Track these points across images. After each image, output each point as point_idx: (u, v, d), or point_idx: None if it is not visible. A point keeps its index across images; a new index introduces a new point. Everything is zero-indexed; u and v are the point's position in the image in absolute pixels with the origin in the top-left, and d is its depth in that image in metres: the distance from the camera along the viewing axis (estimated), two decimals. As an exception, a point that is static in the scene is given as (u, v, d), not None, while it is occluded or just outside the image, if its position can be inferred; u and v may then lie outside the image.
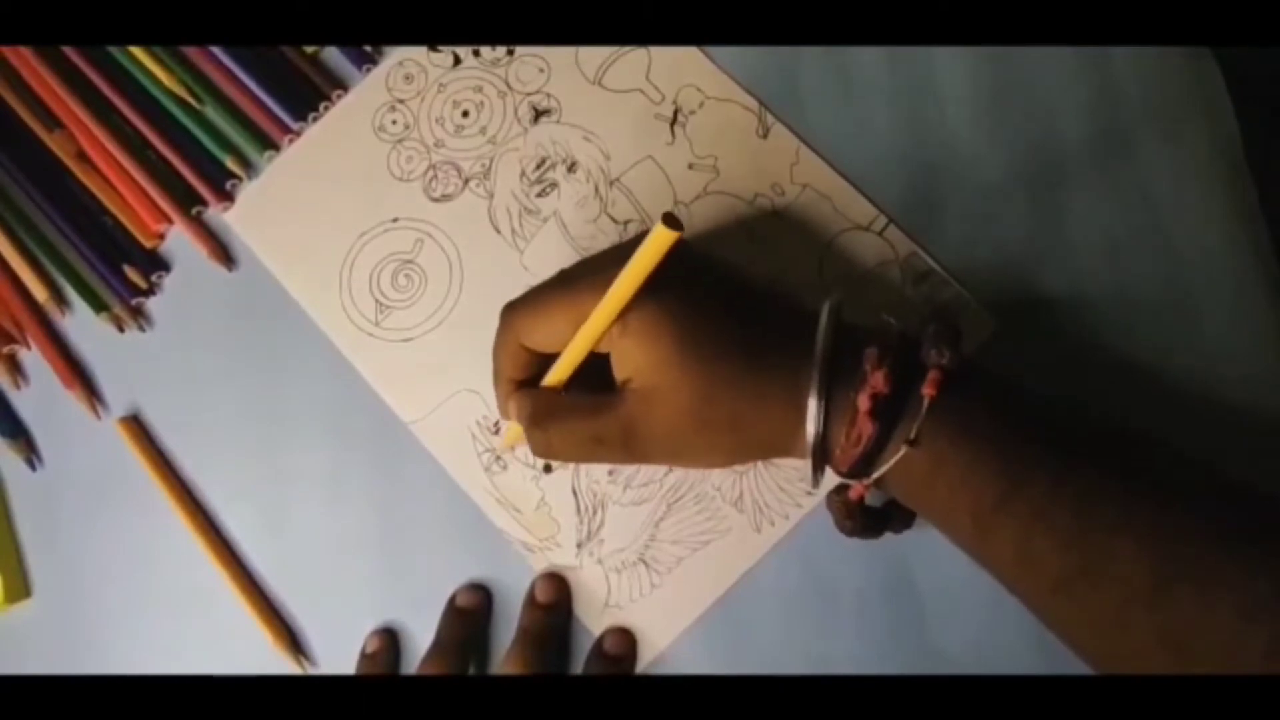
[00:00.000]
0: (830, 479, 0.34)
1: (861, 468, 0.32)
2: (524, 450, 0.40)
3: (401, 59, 0.44)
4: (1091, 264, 0.39)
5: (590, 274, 0.33)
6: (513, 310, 0.35)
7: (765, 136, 0.42)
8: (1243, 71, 0.42)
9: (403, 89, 0.44)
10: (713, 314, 0.33)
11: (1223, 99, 0.40)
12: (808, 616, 0.38)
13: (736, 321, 0.33)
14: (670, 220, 0.29)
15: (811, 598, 0.39)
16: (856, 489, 0.33)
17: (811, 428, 0.32)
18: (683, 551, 0.39)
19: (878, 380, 0.31)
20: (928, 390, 0.31)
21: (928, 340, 0.32)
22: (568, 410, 0.35)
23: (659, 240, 0.30)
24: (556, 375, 0.35)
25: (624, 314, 0.32)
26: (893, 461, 0.31)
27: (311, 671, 0.41)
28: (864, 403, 0.31)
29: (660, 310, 0.32)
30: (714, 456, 0.36)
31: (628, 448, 0.34)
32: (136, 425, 0.43)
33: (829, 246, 0.41)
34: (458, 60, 0.44)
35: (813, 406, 0.32)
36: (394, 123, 0.44)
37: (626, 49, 0.43)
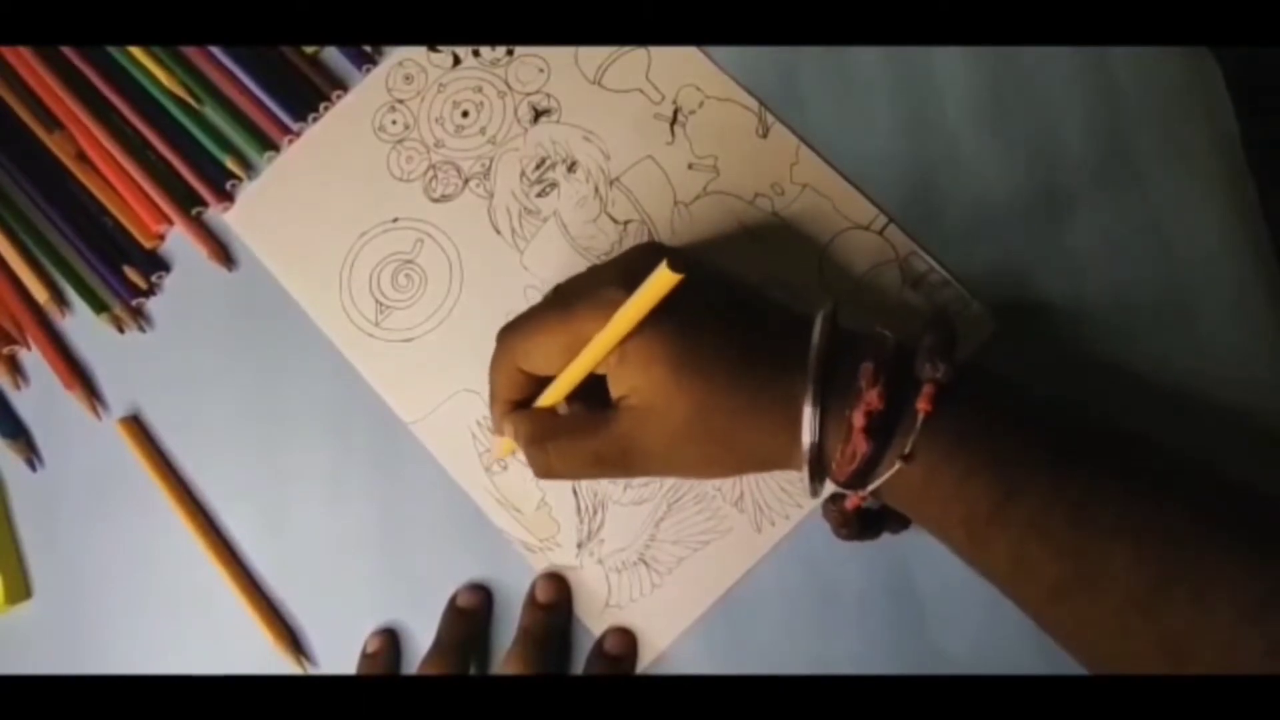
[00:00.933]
0: (829, 486, 0.34)
1: (857, 481, 0.32)
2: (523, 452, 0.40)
3: (401, 59, 0.44)
4: (1091, 264, 0.39)
5: (586, 296, 0.33)
6: (509, 333, 0.35)
7: (765, 136, 0.42)
8: (1243, 71, 0.42)
9: (402, 89, 0.44)
10: (708, 329, 0.33)
11: (1223, 99, 0.40)
12: (808, 616, 0.38)
13: (731, 332, 0.33)
14: (673, 263, 0.29)
15: (812, 598, 0.39)
16: (853, 499, 0.33)
17: (807, 438, 0.32)
18: (683, 551, 0.39)
19: (872, 398, 0.31)
20: (922, 406, 0.31)
21: (922, 353, 0.31)
22: (566, 430, 0.35)
23: (660, 283, 0.30)
24: (551, 397, 0.35)
25: (622, 342, 0.32)
26: (888, 475, 0.31)
27: (311, 671, 0.41)
28: (859, 420, 0.31)
29: (657, 336, 0.32)
30: (712, 469, 0.36)
31: (626, 464, 0.34)
32: (136, 425, 0.43)
33: (829, 246, 0.41)
34: (457, 60, 0.44)
35: (808, 416, 0.31)
36: (394, 123, 0.44)
37: (626, 49, 0.43)
